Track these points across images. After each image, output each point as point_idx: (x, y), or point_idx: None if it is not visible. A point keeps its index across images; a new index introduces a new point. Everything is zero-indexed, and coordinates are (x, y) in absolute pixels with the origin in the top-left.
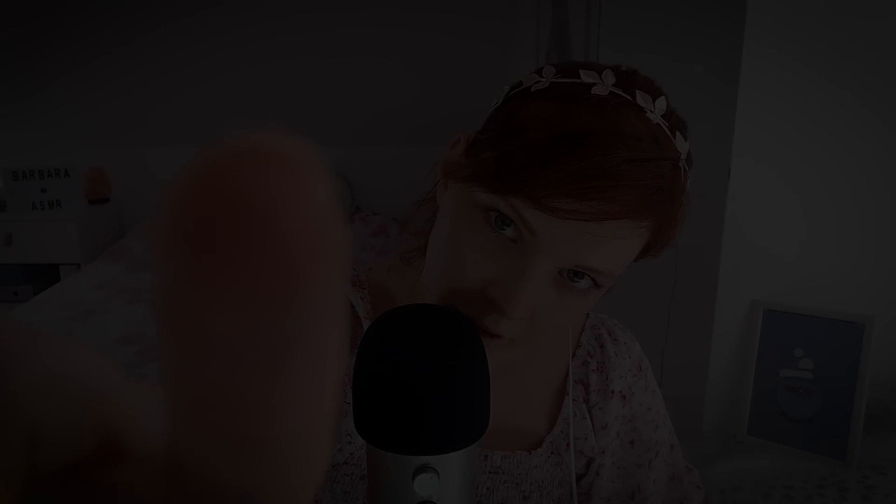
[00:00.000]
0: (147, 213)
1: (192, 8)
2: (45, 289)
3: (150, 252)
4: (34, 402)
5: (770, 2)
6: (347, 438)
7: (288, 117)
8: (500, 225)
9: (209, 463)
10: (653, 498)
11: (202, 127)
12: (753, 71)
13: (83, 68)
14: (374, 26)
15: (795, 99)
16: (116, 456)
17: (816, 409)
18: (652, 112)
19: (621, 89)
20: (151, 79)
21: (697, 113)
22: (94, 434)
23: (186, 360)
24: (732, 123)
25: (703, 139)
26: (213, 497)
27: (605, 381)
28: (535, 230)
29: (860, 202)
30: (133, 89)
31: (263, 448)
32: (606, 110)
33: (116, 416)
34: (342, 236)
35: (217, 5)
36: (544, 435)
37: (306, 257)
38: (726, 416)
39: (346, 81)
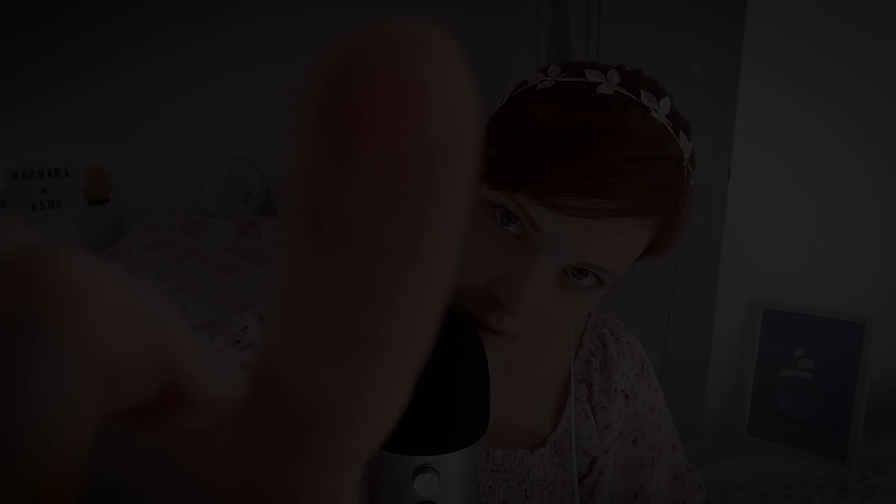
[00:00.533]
0: (147, 214)
1: (191, 8)
2: None
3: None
4: (111, 336)
5: (770, 2)
6: None
7: (288, 117)
8: (504, 222)
9: (308, 376)
10: (655, 498)
11: (202, 127)
12: (753, 71)
13: (83, 69)
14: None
15: (795, 99)
16: (178, 401)
17: (816, 409)
18: (656, 112)
19: (626, 89)
20: (151, 79)
21: (697, 113)
22: (162, 375)
23: (311, 247)
24: (732, 124)
25: (703, 139)
26: (298, 425)
27: (607, 381)
28: (539, 227)
29: (860, 202)
30: (133, 89)
31: (374, 351)
32: (612, 109)
33: (183, 361)
34: (481, 128)
35: (217, 5)
36: (547, 434)
37: (449, 144)
38: (726, 416)
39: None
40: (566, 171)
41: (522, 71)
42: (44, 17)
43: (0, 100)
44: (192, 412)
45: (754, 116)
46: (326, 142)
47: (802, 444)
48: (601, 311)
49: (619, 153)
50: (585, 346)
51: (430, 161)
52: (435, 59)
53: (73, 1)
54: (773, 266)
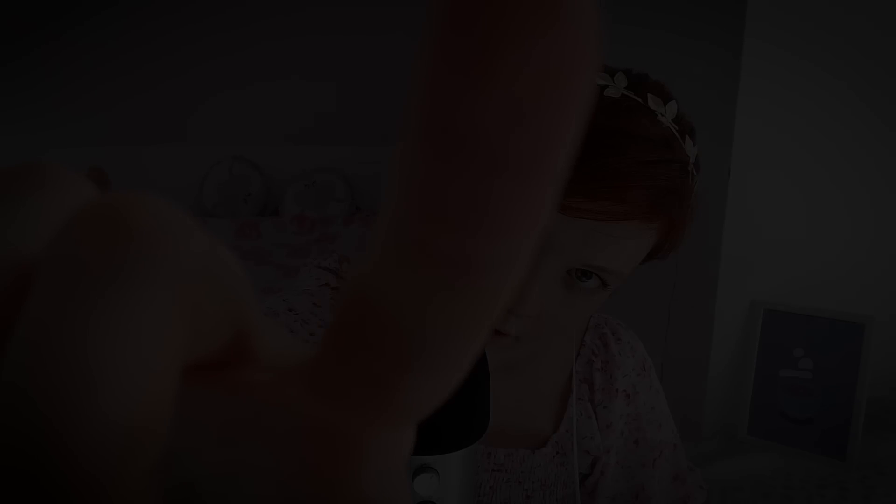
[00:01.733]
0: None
1: (192, 9)
2: None
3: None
4: (195, 283)
5: (770, 2)
6: None
7: (288, 117)
8: None
9: (411, 309)
10: (657, 498)
11: (202, 127)
12: (753, 72)
13: (83, 69)
14: (373, 28)
15: (795, 100)
16: (241, 355)
17: (816, 409)
18: (663, 115)
19: (633, 92)
20: (151, 79)
21: (697, 113)
22: (231, 327)
23: (435, 166)
24: (733, 124)
25: (703, 139)
26: (388, 368)
27: (609, 381)
28: (545, 228)
29: (860, 202)
30: (133, 89)
31: (480, 280)
32: (619, 112)
33: (249, 313)
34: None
35: (217, 6)
36: (549, 434)
37: (582, 58)
38: (726, 416)
39: (347, 81)
40: (573, 173)
41: None
42: (44, 19)
43: (0, 100)
44: (255, 366)
45: (754, 117)
46: (462, 53)
47: (802, 444)
48: (602, 311)
49: (627, 156)
50: (587, 347)
51: (564, 75)
52: None
53: (73, 2)
54: (773, 266)
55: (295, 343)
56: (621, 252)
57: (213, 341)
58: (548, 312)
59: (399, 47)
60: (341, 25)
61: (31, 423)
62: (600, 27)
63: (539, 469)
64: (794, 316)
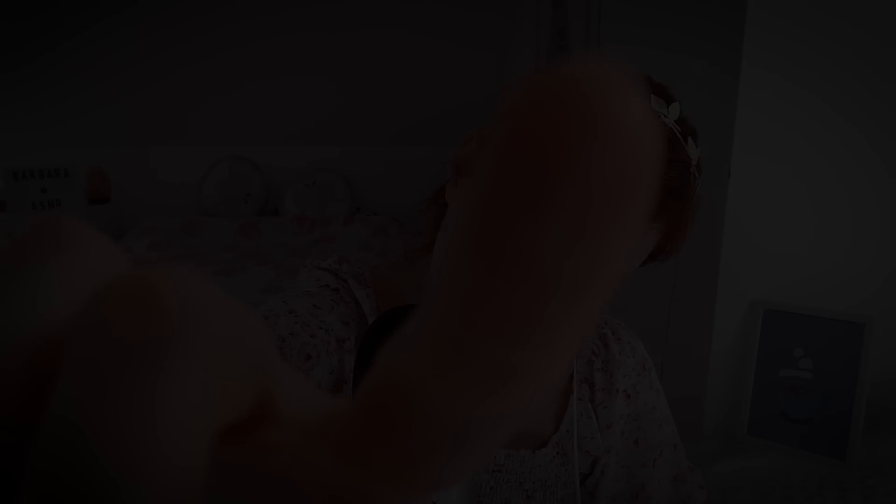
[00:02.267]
0: (147, 213)
1: (192, 8)
2: None
3: (153, 249)
4: (222, 357)
5: (770, 1)
6: None
7: (288, 117)
8: None
9: (449, 401)
10: (657, 498)
11: (202, 127)
12: (753, 71)
13: (84, 69)
14: (373, 27)
15: (796, 99)
16: (266, 415)
17: (816, 409)
18: (666, 117)
19: None
20: (151, 78)
21: (697, 113)
22: (258, 391)
23: (484, 277)
24: (733, 124)
25: (703, 139)
26: (422, 448)
27: (609, 380)
28: None
29: (860, 202)
30: (133, 89)
31: (523, 384)
32: None
33: (274, 374)
34: (659, 167)
35: (217, 5)
36: (549, 434)
37: (635, 176)
38: (726, 416)
39: (347, 81)
40: None
41: (522, 71)
42: (45, 18)
43: (0, 100)
44: (280, 426)
45: (755, 116)
46: (516, 180)
47: (802, 444)
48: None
49: None
50: (587, 347)
51: (619, 196)
52: (624, 95)
53: (73, 2)
54: (773, 266)
55: (317, 394)
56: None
57: (242, 404)
58: None
59: (400, 46)
60: (342, 24)
61: (77, 493)
62: (656, 135)
63: (539, 469)
64: (794, 316)
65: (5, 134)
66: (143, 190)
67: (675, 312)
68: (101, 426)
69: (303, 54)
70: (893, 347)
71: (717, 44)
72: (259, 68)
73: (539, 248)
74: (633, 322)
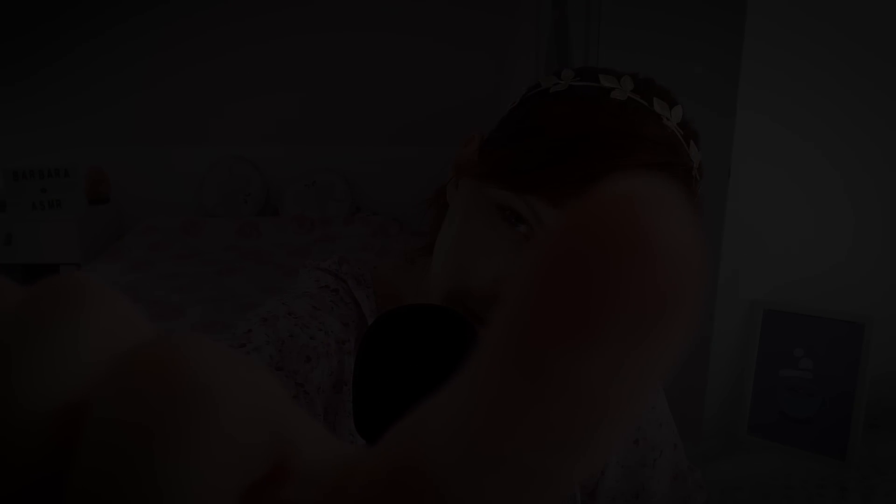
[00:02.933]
0: (147, 214)
1: (192, 8)
2: None
3: (149, 254)
4: (243, 427)
5: (770, 1)
6: (350, 438)
7: (288, 118)
8: (513, 222)
9: (470, 490)
10: (656, 498)
11: (202, 127)
12: (753, 71)
13: (84, 68)
14: (373, 27)
15: (795, 100)
16: (283, 474)
17: (816, 409)
18: (668, 119)
19: (639, 95)
20: (151, 78)
21: (697, 113)
22: (276, 453)
23: (516, 386)
24: (732, 124)
25: (703, 139)
26: None
27: None
28: (549, 228)
29: (860, 202)
30: (133, 89)
31: (548, 487)
32: (624, 115)
33: (292, 434)
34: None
35: (218, 5)
36: None
37: (681, 303)
38: (726, 416)
39: (347, 81)
40: (577, 174)
41: (522, 73)
42: (45, 18)
43: (0, 100)
44: (298, 483)
45: (754, 117)
46: (567, 302)
47: (802, 444)
48: None
49: (631, 158)
50: None
51: (668, 324)
52: (671, 221)
53: (72, 1)
54: (773, 266)
55: (331, 443)
56: None
57: (262, 464)
58: None
59: (400, 47)
60: (343, 23)
61: None
62: (702, 257)
63: None
64: (794, 316)
65: (5, 134)
66: (143, 190)
67: None
68: (129, 494)
69: (303, 56)
70: (893, 347)
71: (717, 45)
72: (259, 68)
73: (583, 371)
74: None
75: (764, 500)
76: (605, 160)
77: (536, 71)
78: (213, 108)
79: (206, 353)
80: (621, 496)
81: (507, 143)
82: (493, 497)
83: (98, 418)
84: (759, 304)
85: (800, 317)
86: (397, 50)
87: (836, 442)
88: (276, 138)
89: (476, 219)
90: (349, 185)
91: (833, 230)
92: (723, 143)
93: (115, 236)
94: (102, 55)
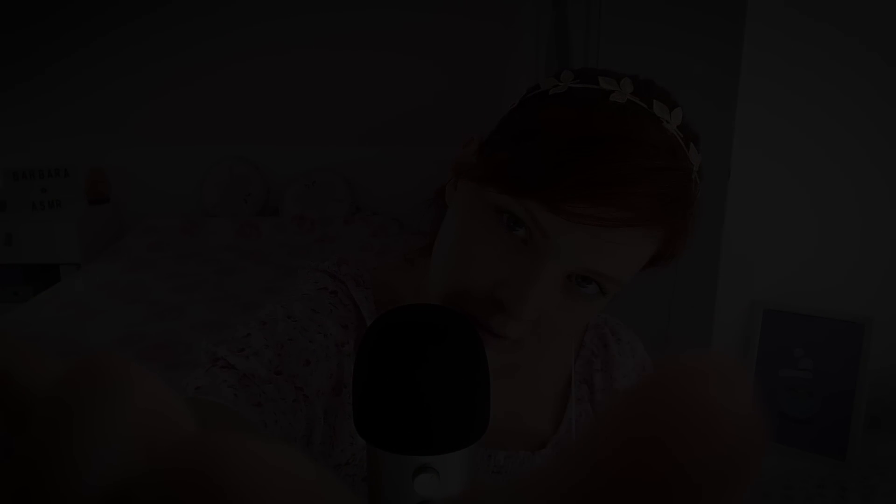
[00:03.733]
0: (147, 214)
1: (192, 7)
2: (45, 289)
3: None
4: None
5: (770, 0)
6: (350, 439)
7: (288, 117)
8: (511, 226)
9: None
10: None
11: (202, 127)
12: (753, 71)
13: (84, 68)
14: (374, 27)
15: (795, 99)
16: None
17: (816, 409)
18: (668, 122)
19: (639, 98)
20: (152, 78)
21: (697, 113)
22: None
23: None
24: (732, 123)
25: (703, 139)
26: None
27: (609, 381)
28: (547, 232)
29: (860, 202)
30: (134, 89)
31: None
32: (624, 117)
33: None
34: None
35: (218, 4)
36: (549, 435)
37: (742, 474)
38: None
39: (347, 81)
40: (576, 177)
41: (523, 73)
42: (45, 18)
43: (0, 99)
44: None
45: (754, 116)
46: (638, 474)
47: (802, 444)
48: (602, 311)
49: (630, 162)
50: (587, 347)
51: (729, 492)
52: (734, 395)
53: (75, 2)
54: (773, 266)
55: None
56: (622, 259)
57: None
58: (546, 317)
59: (400, 48)
60: (342, 24)
61: None
62: (760, 428)
63: None
64: (794, 316)
65: (5, 133)
66: (143, 190)
67: (675, 312)
68: None
69: (303, 55)
70: (893, 347)
71: (716, 44)
72: (260, 69)
73: None
74: (634, 322)
75: (764, 500)
76: (602, 164)
77: (537, 71)
78: (214, 108)
79: (246, 460)
80: None
81: (506, 146)
82: None
83: None
84: (759, 304)
85: (800, 317)
86: (400, 49)
87: (836, 442)
88: (277, 138)
89: (475, 221)
90: (349, 185)
91: (833, 230)
92: (723, 140)
93: (115, 236)
94: (104, 56)
